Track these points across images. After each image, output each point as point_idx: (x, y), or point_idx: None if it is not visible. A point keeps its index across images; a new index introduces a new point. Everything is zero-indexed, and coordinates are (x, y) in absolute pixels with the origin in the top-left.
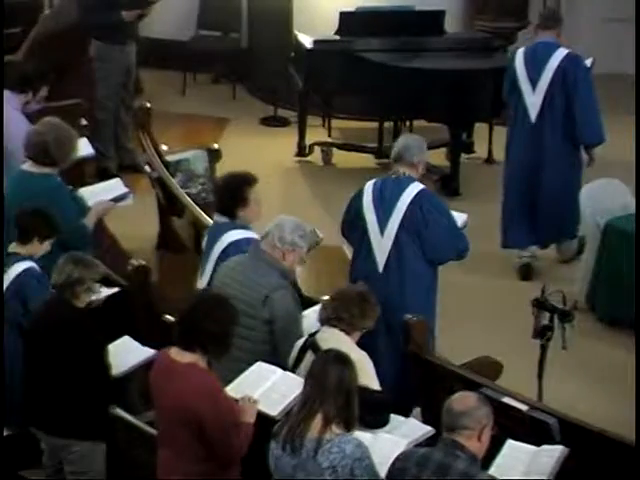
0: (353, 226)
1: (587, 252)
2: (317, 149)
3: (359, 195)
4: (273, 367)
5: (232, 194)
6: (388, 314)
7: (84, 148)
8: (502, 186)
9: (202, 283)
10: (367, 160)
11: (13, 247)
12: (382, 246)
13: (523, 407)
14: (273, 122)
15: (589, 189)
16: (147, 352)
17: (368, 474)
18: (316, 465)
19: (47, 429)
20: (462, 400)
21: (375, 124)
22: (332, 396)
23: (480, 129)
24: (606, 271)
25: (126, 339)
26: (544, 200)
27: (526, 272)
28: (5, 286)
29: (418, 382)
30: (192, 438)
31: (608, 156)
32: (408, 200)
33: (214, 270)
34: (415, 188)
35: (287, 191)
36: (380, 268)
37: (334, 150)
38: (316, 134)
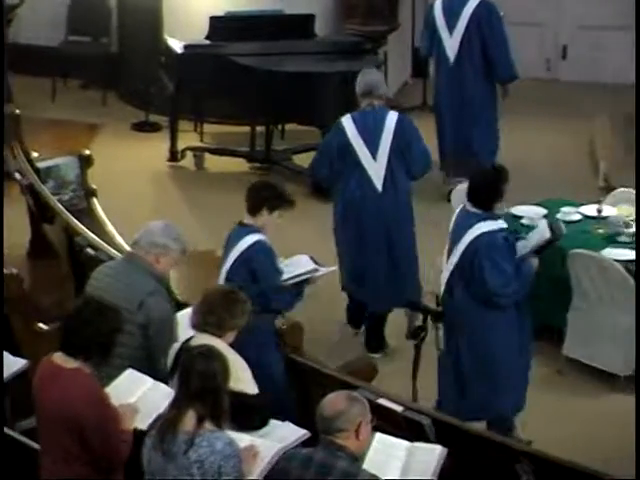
0: (333, 160)
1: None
2: (189, 154)
3: (337, 132)
4: (144, 376)
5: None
6: (388, 227)
7: None
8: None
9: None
10: (240, 164)
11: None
12: (377, 169)
13: (398, 408)
14: (145, 127)
15: (460, 192)
16: (19, 363)
17: (235, 472)
18: (185, 459)
19: None
20: (332, 404)
21: (247, 128)
22: (199, 393)
23: None
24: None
25: None
26: (466, 125)
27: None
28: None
29: (294, 385)
30: (75, 443)
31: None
32: (392, 126)
33: (229, 272)
34: (394, 115)
35: (159, 197)
36: (379, 188)
37: (206, 155)
38: (188, 139)
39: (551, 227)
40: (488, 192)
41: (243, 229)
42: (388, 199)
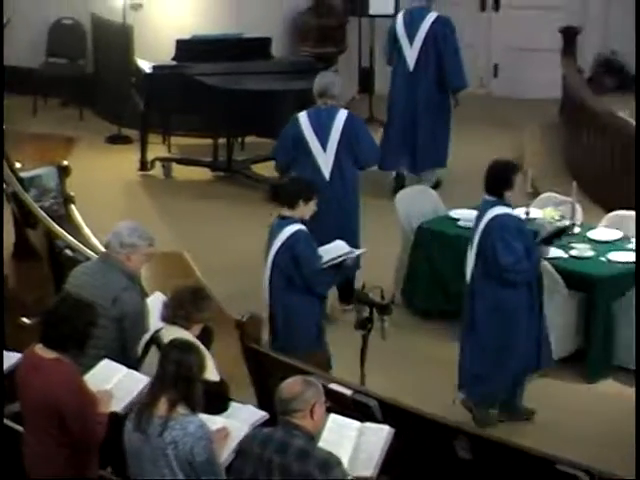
0: (289, 148)
1: (402, 251)
2: (158, 164)
3: (293, 125)
4: (119, 365)
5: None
6: (335, 212)
7: None
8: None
9: (265, 276)
10: (204, 173)
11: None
12: (326, 160)
13: (347, 392)
14: (117, 140)
15: (403, 196)
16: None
17: (206, 453)
18: (160, 440)
19: None
20: (289, 387)
21: (210, 140)
22: (173, 381)
23: None
24: (420, 268)
25: None
26: (420, 133)
27: (400, 182)
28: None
29: (254, 373)
30: (56, 426)
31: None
32: (342, 122)
33: (274, 260)
34: (344, 113)
35: (131, 203)
36: (327, 176)
37: (173, 164)
38: (157, 150)
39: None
40: (499, 181)
41: (283, 221)
42: (335, 186)
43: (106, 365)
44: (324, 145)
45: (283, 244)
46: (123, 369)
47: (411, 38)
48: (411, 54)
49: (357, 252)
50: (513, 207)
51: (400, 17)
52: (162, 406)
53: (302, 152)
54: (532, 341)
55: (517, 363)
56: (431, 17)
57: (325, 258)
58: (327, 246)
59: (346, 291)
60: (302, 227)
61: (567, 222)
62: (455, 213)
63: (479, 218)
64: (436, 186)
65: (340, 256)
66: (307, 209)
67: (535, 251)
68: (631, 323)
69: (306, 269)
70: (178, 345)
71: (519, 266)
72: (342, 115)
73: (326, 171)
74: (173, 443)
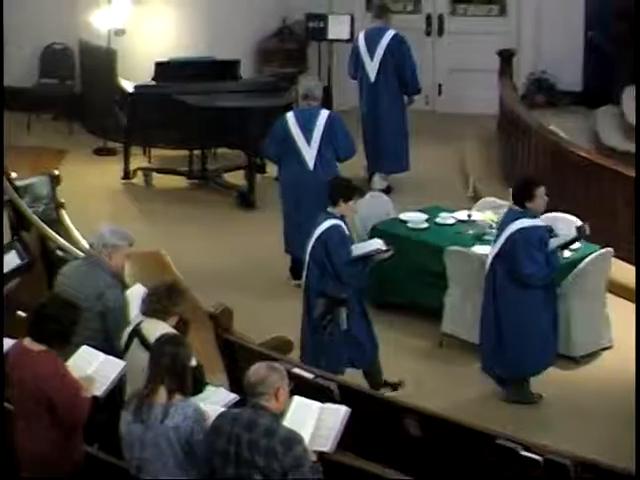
0: (279, 143)
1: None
2: (139, 173)
3: (282, 123)
4: (97, 352)
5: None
6: (317, 198)
7: None
8: None
9: (305, 264)
10: (180, 181)
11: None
12: (310, 153)
13: (309, 375)
14: (103, 152)
15: (361, 202)
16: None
17: (202, 432)
18: (163, 427)
19: None
20: (255, 372)
21: (186, 152)
22: (169, 372)
23: None
24: (374, 265)
25: None
26: (382, 138)
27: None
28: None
29: (226, 360)
30: (44, 410)
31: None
32: (323, 121)
33: (312, 249)
34: (325, 112)
35: (115, 208)
36: (311, 167)
37: (153, 174)
38: (138, 161)
39: (578, 229)
40: (521, 193)
41: (325, 216)
42: (318, 175)
43: (85, 351)
44: (308, 140)
45: (319, 236)
46: (101, 355)
47: (371, 54)
48: (372, 67)
49: (383, 247)
50: (453, 211)
51: (361, 36)
52: (161, 396)
53: (290, 146)
54: (547, 332)
55: (536, 350)
56: (389, 35)
57: (356, 252)
58: (363, 243)
59: (297, 269)
60: (339, 222)
61: (575, 233)
62: (405, 216)
63: (504, 224)
64: (387, 191)
65: (370, 251)
66: (347, 208)
67: (554, 258)
68: (560, 313)
69: (336, 259)
70: (170, 340)
71: (540, 273)
72: (324, 115)
73: (310, 162)
74: (175, 427)
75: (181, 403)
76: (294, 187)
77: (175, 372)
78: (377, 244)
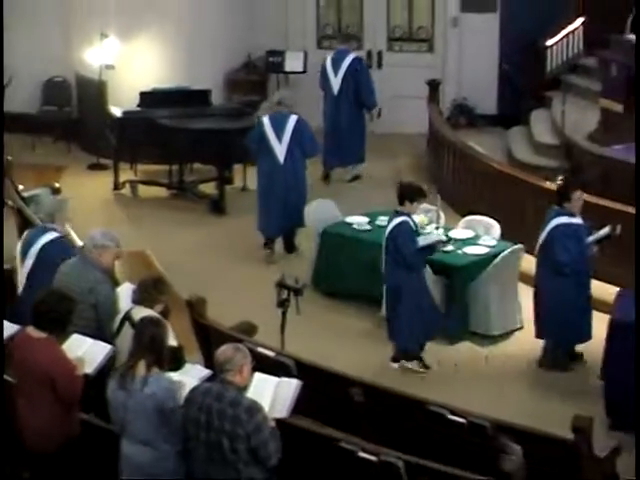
0: (256, 141)
1: (310, 250)
2: (127, 185)
3: (259, 125)
4: (85, 338)
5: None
6: (287, 186)
7: None
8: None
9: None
10: (162, 191)
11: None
12: (281, 149)
13: (271, 354)
14: (96, 167)
15: (311, 207)
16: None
17: (174, 402)
18: (142, 394)
19: None
20: (223, 352)
21: (166, 166)
22: (148, 349)
23: (238, 168)
24: (324, 261)
25: None
26: (343, 137)
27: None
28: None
29: (200, 341)
30: (46, 389)
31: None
32: (292, 124)
33: (386, 242)
34: (294, 117)
35: (106, 214)
36: (282, 161)
37: (139, 185)
38: (126, 174)
39: (613, 228)
40: (560, 195)
41: (395, 214)
42: (287, 168)
43: (75, 338)
44: (280, 139)
45: (391, 231)
46: (89, 340)
47: (336, 71)
48: (336, 82)
49: (443, 238)
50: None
51: (329, 57)
52: (141, 368)
53: (265, 144)
54: (579, 314)
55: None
56: (350, 57)
57: (422, 243)
58: (426, 235)
59: (290, 242)
60: (406, 219)
61: (607, 230)
62: (350, 219)
63: (546, 221)
64: (356, 178)
65: (433, 242)
66: (413, 207)
67: (586, 251)
68: (480, 299)
69: (405, 250)
70: (150, 321)
71: (573, 264)
72: (293, 118)
73: (281, 157)
74: (151, 395)
75: (157, 375)
76: (268, 177)
77: (153, 349)
78: (438, 236)
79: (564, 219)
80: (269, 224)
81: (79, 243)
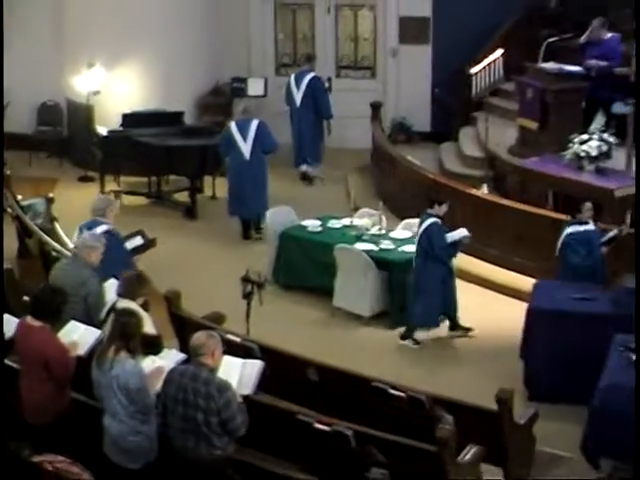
0: (226, 143)
1: (270, 249)
2: (112, 194)
3: (227, 129)
4: (79, 324)
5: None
6: (252, 178)
7: None
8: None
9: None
10: (142, 200)
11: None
12: (246, 148)
13: (238, 339)
14: (85, 179)
15: (271, 213)
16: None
17: (138, 384)
18: (109, 375)
19: None
20: (197, 338)
21: (146, 178)
22: (119, 335)
23: (207, 179)
24: (283, 258)
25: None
26: (305, 142)
27: (305, 177)
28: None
29: (176, 329)
30: (44, 371)
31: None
32: (255, 127)
33: (419, 239)
34: (256, 121)
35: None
36: (247, 157)
37: (122, 194)
38: (111, 185)
39: (620, 231)
40: (573, 208)
41: (427, 215)
42: (252, 164)
43: (72, 324)
44: (245, 139)
45: (424, 230)
46: (82, 326)
47: (298, 87)
48: (298, 96)
49: (468, 234)
50: (340, 218)
51: (292, 76)
52: (111, 352)
53: (233, 144)
54: None
55: None
56: (310, 75)
57: (450, 239)
58: (454, 232)
59: (245, 227)
60: (437, 220)
61: (615, 232)
62: (305, 222)
63: (562, 229)
64: (314, 179)
65: (460, 238)
66: (441, 209)
67: (595, 252)
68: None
69: (436, 246)
70: (124, 312)
71: (583, 263)
72: (255, 122)
73: (247, 154)
74: (116, 376)
75: (123, 359)
76: (236, 171)
77: (123, 335)
78: (464, 232)
79: (575, 227)
80: (241, 208)
81: (71, 246)
